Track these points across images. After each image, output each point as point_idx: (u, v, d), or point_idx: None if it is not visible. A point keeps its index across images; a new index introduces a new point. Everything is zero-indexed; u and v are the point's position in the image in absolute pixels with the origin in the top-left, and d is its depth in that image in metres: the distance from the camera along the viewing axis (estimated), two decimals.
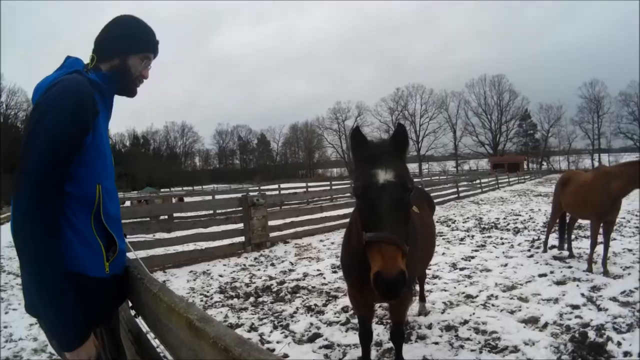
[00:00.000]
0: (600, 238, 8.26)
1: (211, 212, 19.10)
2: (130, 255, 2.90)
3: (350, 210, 15.53)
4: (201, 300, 7.36)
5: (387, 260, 2.27)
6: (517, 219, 16.53)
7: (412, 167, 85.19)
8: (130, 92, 2.43)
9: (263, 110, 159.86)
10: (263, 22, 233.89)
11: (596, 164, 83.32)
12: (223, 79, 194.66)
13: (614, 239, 9.37)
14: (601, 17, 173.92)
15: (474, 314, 6.25)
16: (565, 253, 9.69)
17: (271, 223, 12.25)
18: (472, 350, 5.12)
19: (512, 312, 6.32)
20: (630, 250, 9.67)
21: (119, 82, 2.33)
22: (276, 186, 40.95)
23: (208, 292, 7.86)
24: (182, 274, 9.06)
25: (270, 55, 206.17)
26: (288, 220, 13.38)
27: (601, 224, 8.11)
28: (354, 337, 5.51)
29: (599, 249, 8.36)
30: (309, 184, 44.61)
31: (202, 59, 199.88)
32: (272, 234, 12.19)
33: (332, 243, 12.34)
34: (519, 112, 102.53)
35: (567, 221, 9.91)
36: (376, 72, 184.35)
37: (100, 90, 2.17)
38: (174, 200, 26.43)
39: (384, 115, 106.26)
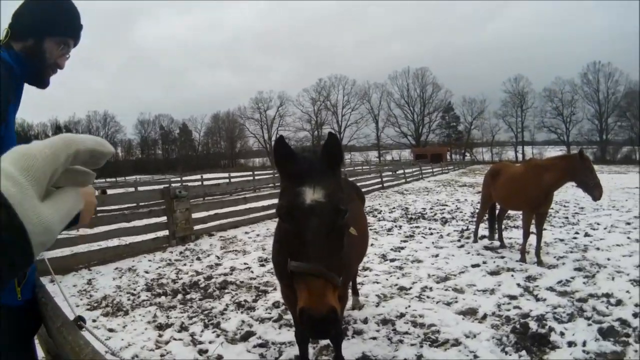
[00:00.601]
0: (532, 229, 8.42)
1: (134, 205, 18.42)
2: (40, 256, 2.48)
3: (274, 201, 15.37)
4: (128, 299, 6.98)
5: (314, 296, 1.98)
6: (444, 209, 16.80)
7: None
8: (42, 82, 2.02)
9: (185, 100, 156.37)
10: (189, 13, 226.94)
11: (520, 155, 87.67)
12: (146, 68, 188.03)
13: (545, 229, 9.59)
14: (526, 15, 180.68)
15: (409, 306, 6.20)
16: (497, 243, 9.89)
17: (195, 215, 11.86)
18: (412, 345, 5.04)
19: (448, 304, 6.31)
20: (562, 240, 10.01)
21: (30, 68, 1.93)
22: (199, 177, 40.36)
23: (135, 290, 7.47)
24: (107, 271, 8.61)
25: (194, 46, 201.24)
26: (212, 212, 13.03)
27: (533, 215, 8.27)
28: (288, 334, 5.37)
29: (531, 239, 8.55)
30: (232, 174, 43.60)
31: (126, 48, 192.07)
32: (196, 227, 11.81)
33: (258, 235, 12.13)
34: (442, 104, 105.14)
35: (497, 212, 10.09)
36: (298, 64, 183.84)
37: (11, 73, 1.77)
38: (96, 193, 25.21)
39: (306, 106, 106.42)
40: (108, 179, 70.43)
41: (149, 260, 9.44)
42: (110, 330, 5.70)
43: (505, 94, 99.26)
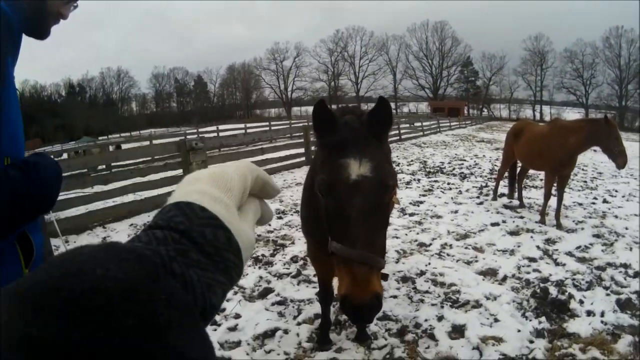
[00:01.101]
0: (552, 191, 8.33)
1: (149, 158, 18.34)
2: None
3: (291, 152, 15.40)
4: None
5: (358, 284, 1.85)
6: (462, 164, 16.61)
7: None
8: (42, 32, 1.78)
9: (200, 53, 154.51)
10: None
11: (537, 114, 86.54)
12: (159, 22, 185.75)
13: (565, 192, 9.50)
14: None
15: (429, 264, 6.17)
16: (516, 202, 9.79)
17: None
18: (432, 305, 5.02)
19: (468, 263, 6.29)
20: (580, 204, 9.90)
21: (31, 16, 1.68)
22: (214, 128, 39.79)
23: None
24: (122, 228, 8.55)
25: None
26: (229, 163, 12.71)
27: (555, 177, 8.15)
28: (306, 291, 5.36)
29: (551, 201, 8.43)
30: (248, 125, 42.96)
31: (138, 3, 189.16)
32: None
33: None
34: (461, 59, 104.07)
35: (518, 171, 9.96)
36: (314, 16, 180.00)
37: (8, 22, 1.52)
38: (111, 148, 25.29)
39: (323, 56, 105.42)
40: (122, 134, 70.50)
41: None
42: None
43: (525, 52, 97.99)
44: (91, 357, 0.36)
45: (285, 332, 4.51)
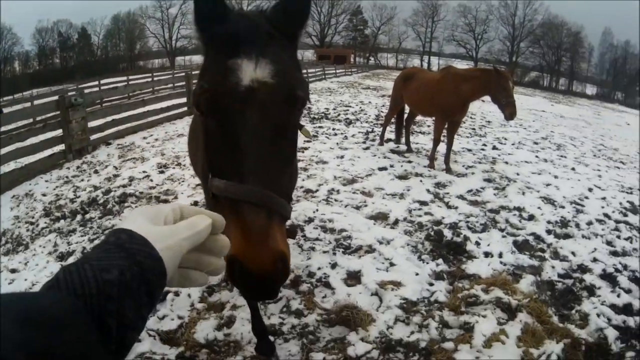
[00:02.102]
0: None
1: (31, 120, 17.07)
2: None
3: (173, 102, 14.95)
4: (27, 230, 6.44)
5: (253, 240, 1.23)
6: (348, 110, 16.45)
7: None
8: None
9: (85, 2, 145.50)
10: None
11: (425, 65, 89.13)
12: None
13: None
14: None
15: (317, 210, 6.02)
16: (403, 147, 9.80)
17: (91, 124, 10.99)
18: (324, 252, 4.88)
19: (357, 208, 6.18)
20: (469, 150, 10.09)
21: None
22: (96, 82, 38.33)
23: (33, 217, 6.88)
24: (5, 202, 7.84)
25: None
26: (109, 118, 12.11)
27: (445, 123, 8.16)
28: None
29: (440, 147, 8.47)
30: (130, 77, 42.08)
31: None
32: (93, 137, 10.97)
33: (156, 140, 11.51)
34: (350, 7, 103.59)
35: (405, 116, 9.94)
36: None
37: None
38: None
39: None
40: (5, 98, 65.82)
41: (46, 181, 8.73)
42: (13, 270, 5.26)
43: (417, 4, 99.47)
44: None
45: (176, 294, 4.19)
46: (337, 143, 10.14)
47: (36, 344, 0.52)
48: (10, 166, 9.36)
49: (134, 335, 0.69)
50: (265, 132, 1.34)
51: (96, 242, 5.40)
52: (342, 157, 8.82)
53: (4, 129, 15.77)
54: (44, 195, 7.89)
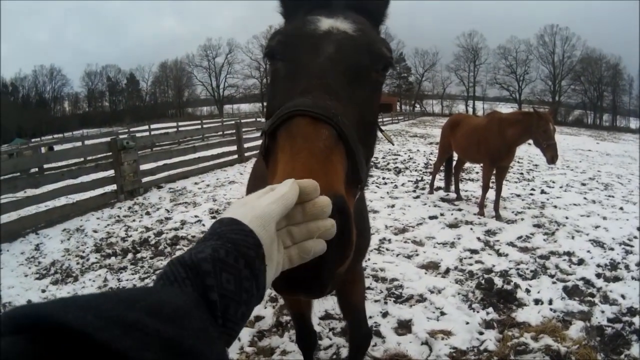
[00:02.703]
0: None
1: (82, 159, 17.74)
2: None
3: (223, 149, 15.33)
4: (77, 263, 6.58)
5: (303, 159, 1.00)
6: (397, 158, 16.58)
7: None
8: None
9: (132, 50, 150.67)
10: None
11: (470, 110, 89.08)
12: (89, 16, 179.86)
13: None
14: None
15: (369, 259, 6.00)
16: (453, 195, 9.77)
17: (143, 167, 11.37)
18: (376, 301, 4.87)
19: (409, 257, 6.17)
20: (518, 196, 10.01)
21: None
22: (146, 127, 39.42)
23: (84, 252, 7.04)
24: (55, 234, 8.07)
25: None
26: (160, 163, 12.51)
27: (494, 169, 8.16)
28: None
29: (489, 193, 8.42)
30: (180, 124, 42.75)
31: None
32: (144, 179, 11.32)
33: (208, 185, 11.81)
34: (393, 55, 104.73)
35: (454, 163, 9.94)
36: (248, 10, 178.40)
37: None
38: (43, 150, 24.33)
39: (255, 53, 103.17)
40: (55, 135, 68.14)
41: (97, 218, 8.95)
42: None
43: (458, 48, 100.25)
44: None
45: None
46: (388, 192, 10.21)
47: (167, 334, 0.57)
48: (62, 201, 9.72)
49: (240, 308, 0.74)
50: (339, 66, 1.26)
51: (147, 281, 5.62)
52: (392, 206, 8.87)
53: (54, 165, 16.52)
54: (95, 231, 8.08)
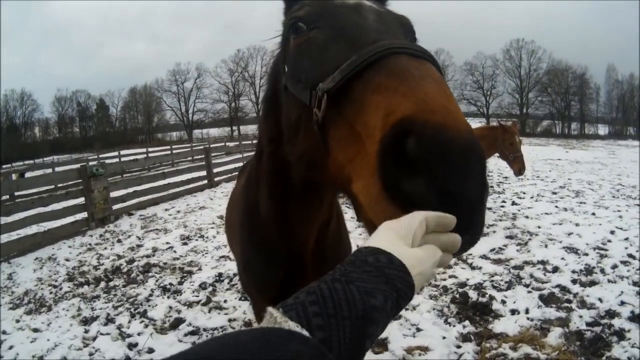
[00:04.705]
0: None
1: (52, 187, 17.56)
2: None
3: (193, 175, 15.37)
4: (50, 292, 6.46)
5: (433, 96, 0.92)
6: None
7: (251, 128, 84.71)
8: None
9: (102, 74, 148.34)
10: None
11: None
12: (60, 42, 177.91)
13: None
14: None
15: None
16: None
17: (113, 194, 11.30)
18: None
19: None
20: (489, 209, 10.01)
21: None
22: (116, 153, 39.29)
23: (56, 280, 6.94)
24: (27, 263, 7.98)
25: (106, 16, 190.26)
26: (131, 189, 12.51)
27: None
28: (218, 319, 5.13)
29: None
30: (150, 149, 42.82)
31: (39, 21, 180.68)
32: (115, 207, 11.24)
33: (178, 211, 11.81)
34: None
35: None
36: (215, 34, 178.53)
37: None
38: (14, 177, 24.02)
39: (224, 77, 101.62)
40: (26, 162, 67.17)
41: (69, 247, 8.86)
42: (35, 330, 5.23)
43: None
44: None
45: None
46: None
47: None
48: (33, 229, 9.57)
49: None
50: (393, 27, 1.28)
51: (120, 309, 5.50)
52: (363, 225, 8.80)
53: (24, 192, 16.32)
54: (67, 260, 7.97)
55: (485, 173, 0.93)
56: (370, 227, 1.01)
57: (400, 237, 0.83)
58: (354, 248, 6.19)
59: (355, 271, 0.74)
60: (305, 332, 0.62)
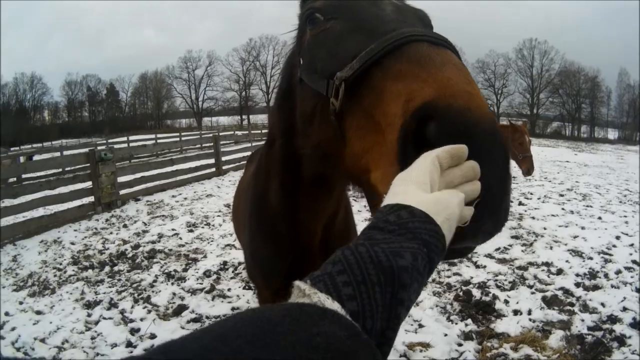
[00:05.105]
0: None
1: (60, 170, 17.67)
2: None
3: (201, 162, 15.33)
4: (54, 275, 6.49)
5: (457, 78, 0.93)
6: None
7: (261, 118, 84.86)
8: None
9: (113, 60, 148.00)
10: None
11: None
12: (71, 25, 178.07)
13: None
14: None
15: None
16: None
17: (121, 179, 11.31)
18: None
19: None
20: None
21: None
22: (125, 138, 39.26)
23: (61, 264, 6.96)
24: (32, 245, 8.02)
25: (116, 4, 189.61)
26: (138, 175, 12.52)
27: None
28: (222, 307, 5.15)
29: None
30: (158, 136, 42.41)
31: (49, 7, 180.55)
32: (122, 192, 11.28)
33: (185, 198, 11.85)
34: None
35: None
36: (227, 23, 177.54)
37: None
38: (22, 160, 24.17)
39: (235, 65, 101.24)
40: (34, 145, 67.35)
41: (75, 230, 8.90)
42: (38, 312, 5.27)
43: None
44: None
45: None
46: (365, 205, 10.01)
47: None
48: (40, 212, 9.65)
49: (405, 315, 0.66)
50: (413, 18, 1.30)
51: (124, 294, 5.51)
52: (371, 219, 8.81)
53: (32, 175, 16.41)
54: (72, 244, 8.01)
55: (509, 158, 0.94)
56: None
57: (416, 184, 0.78)
58: None
59: (378, 233, 0.69)
60: (337, 306, 0.58)
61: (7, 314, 5.20)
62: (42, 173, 17.43)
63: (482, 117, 0.86)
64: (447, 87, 0.89)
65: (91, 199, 10.36)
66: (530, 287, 5.50)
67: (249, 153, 12.65)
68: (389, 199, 0.77)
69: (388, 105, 0.98)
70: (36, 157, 24.11)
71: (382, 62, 1.04)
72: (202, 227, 8.67)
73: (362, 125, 1.09)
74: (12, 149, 52.56)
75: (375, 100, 1.03)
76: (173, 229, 8.55)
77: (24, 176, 17.24)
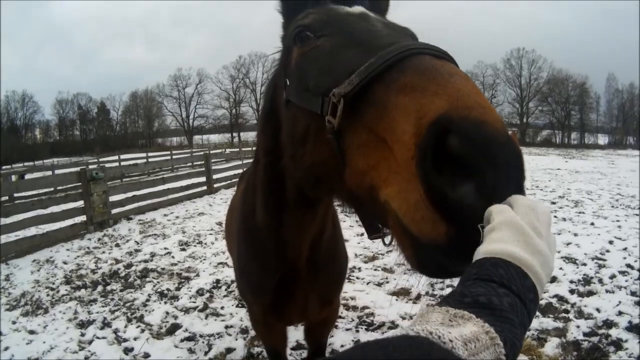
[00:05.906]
0: None
1: (52, 189, 17.66)
2: None
3: (192, 181, 15.35)
4: (47, 295, 6.47)
5: (468, 94, 0.90)
6: None
7: (252, 135, 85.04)
8: None
9: (104, 78, 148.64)
10: None
11: None
12: (62, 44, 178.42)
13: None
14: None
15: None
16: None
17: (112, 198, 11.30)
18: (347, 330, 4.85)
19: (379, 285, 6.17)
20: None
21: None
22: (116, 157, 39.34)
23: (54, 283, 6.94)
24: (25, 264, 7.99)
25: (107, 20, 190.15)
26: (130, 194, 12.54)
27: None
28: (215, 325, 5.10)
29: None
30: (150, 154, 42.53)
31: (40, 23, 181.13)
32: (114, 211, 11.26)
33: (177, 217, 11.84)
34: None
35: None
36: (216, 40, 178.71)
37: None
38: (14, 178, 24.09)
39: (225, 83, 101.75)
40: (26, 163, 67.18)
41: (67, 250, 8.86)
42: (31, 332, 5.23)
43: None
44: None
45: None
46: (357, 220, 10.07)
47: None
48: (32, 231, 9.65)
49: None
50: (398, 29, 1.33)
51: (117, 314, 5.47)
52: (362, 234, 8.77)
53: (24, 194, 16.33)
54: (65, 263, 7.96)
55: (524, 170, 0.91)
56: (402, 234, 0.97)
57: (516, 238, 0.79)
58: (350, 256, 6.18)
59: (483, 290, 0.73)
60: None
61: (0, 333, 5.16)
62: (34, 192, 17.27)
63: (497, 131, 0.84)
64: (459, 99, 0.87)
65: (83, 218, 10.31)
66: None
67: (240, 171, 12.67)
68: (499, 245, 0.78)
69: (395, 120, 0.95)
70: (28, 176, 24.06)
71: (384, 76, 1.02)
72: (195, 246, 8.65)
73: (365, 142, 1.05)
74: (3, 167, 52.48)
75: (379, 115, 1.01)
76: (165, 248, 8.53)
77: (16, 195, 17.21)
